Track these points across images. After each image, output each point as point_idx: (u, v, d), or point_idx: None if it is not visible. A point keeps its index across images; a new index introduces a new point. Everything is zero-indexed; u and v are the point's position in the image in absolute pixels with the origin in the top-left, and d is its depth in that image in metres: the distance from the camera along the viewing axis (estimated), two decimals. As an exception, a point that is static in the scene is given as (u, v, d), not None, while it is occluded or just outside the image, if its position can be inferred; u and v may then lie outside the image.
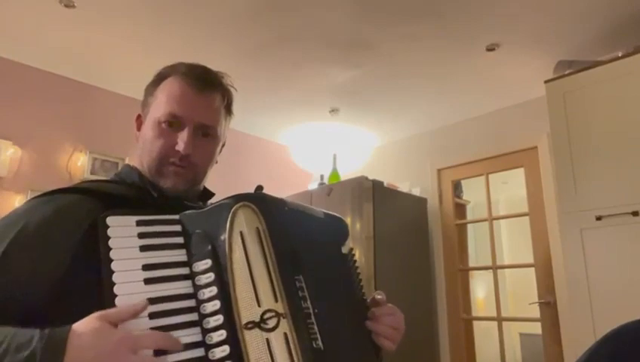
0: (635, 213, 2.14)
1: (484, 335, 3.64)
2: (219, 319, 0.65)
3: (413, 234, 3.53)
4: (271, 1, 2.32)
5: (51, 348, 0.56)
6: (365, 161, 4.15)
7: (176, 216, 0.72)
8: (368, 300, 0.87)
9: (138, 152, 0.88)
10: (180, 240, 0.71)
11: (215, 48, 2.73)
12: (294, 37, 2.62)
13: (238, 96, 0.96)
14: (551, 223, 3.04)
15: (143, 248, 0.67)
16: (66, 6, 2.33)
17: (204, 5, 2.34)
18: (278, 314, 0.65)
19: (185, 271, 0.68)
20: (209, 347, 0.64)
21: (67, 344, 0.57)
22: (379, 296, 0.86)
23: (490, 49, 2.70)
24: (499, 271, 3.47)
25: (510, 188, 4.44)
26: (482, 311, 4.42)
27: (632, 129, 2.23)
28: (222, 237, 0.68)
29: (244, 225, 0.69)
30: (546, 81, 2.59)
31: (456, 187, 3.80)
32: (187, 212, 0.73)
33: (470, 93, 3.29)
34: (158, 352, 0.60)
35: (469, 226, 4.11)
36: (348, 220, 3.11)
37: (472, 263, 4.06)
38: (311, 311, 0.70)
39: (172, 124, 0.84)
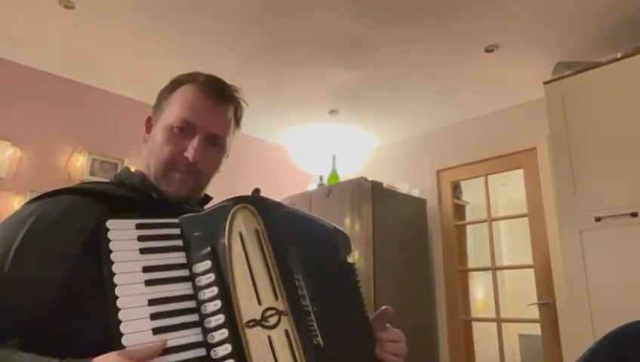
0: (634, 214, 2.14)
1: (484, 336, 3.64)
2: (220, 318, 0.65)
3: (413, 235, 3.54)
4: (270, 2, 2.32)
5: None
6: (364, 161, 4.15)
7: (176, 220, 0.73)
8: (373, 315, 0.88)
9: (145, 154, 0.89)
10: (179, 242, 0.71)
11: (215, 49, 2.73)
12: (293, 38, 2.62)
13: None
14: (550, 224, 3.04)
15: (143, 251, 0.68)
16: (66, 7, 2.33)
17: (204, 7, 2.35)
18: (278, 312, 0.66)
19: (185, 273, 0.69)
20: (211, 346, 0.64)
21: None
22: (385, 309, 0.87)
23: (490, 50, 2.71)
24: (498, 272, 3.47)
25: (509, 189, 4.44)
26: (481, 312, 4.42)
27: (631, 130, 2.24)
28: (221, 239, 0.69)
29: (243, 226, 0.70)
30: (545, 83, 2.60)
31: (456, 188, 3.81)
32: (186, 215, 0.74)
33: (469, 94, 3.29)
34: (162, 353, 0.61)
35: (469, 227, 4.11)
36: (347, 221, 3.11)
37: (471, 264, 4.05)
38: (310, 308, 0.71)
39: (184, 130, 0.85)
